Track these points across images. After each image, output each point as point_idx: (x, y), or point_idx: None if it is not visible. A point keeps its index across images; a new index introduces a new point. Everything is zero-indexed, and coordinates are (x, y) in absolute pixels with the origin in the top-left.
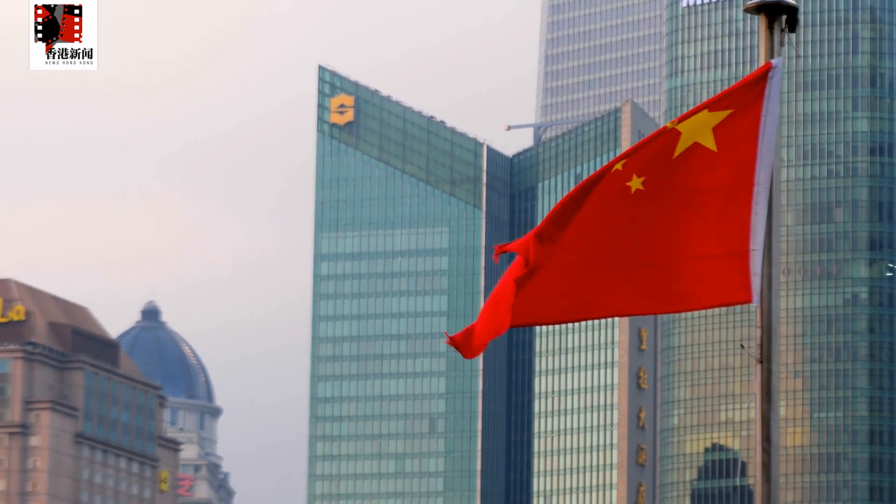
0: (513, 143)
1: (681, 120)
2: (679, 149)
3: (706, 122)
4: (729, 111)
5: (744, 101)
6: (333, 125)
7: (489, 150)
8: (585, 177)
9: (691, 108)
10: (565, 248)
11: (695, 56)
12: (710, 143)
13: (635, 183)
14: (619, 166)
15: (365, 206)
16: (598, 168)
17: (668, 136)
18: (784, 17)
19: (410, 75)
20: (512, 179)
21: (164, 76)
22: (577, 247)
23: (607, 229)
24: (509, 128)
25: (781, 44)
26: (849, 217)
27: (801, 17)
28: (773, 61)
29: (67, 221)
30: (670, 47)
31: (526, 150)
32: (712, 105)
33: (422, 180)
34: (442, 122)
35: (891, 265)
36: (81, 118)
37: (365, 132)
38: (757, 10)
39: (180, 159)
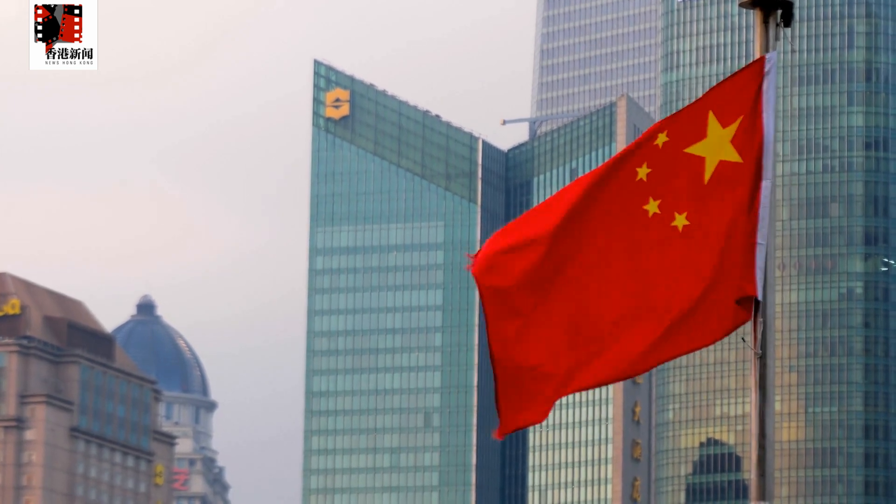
0: (508, 138)
1: (692, 141)
2: (707, 173)
3: (723, 137)
4: (740, 118)
5: (748, 102)
6: (329, 119)
7: (485, 144)
8: (581, 171)
9: (687, 103)
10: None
11: (690, 51)
12: (734, 156)
13: (680, 220)
14: (655, 209)
15: (360, 201)
16: (597, 172)
17: (692, 164)
18: (779, 11)
19: (406, 69)
20: (507, 174)
21: (160, 70)
22: (629, 300)
23: (659, 275)
24: (505, 122)
25: (777, 38)
26: (844, 212)
27: (796, 12)
28: (768, 55)
29: (62, 216)
30: (666, 42)
31: (521, 145)
32: (722, 117)
33: (417, 174)
34: (437, 116)
35: (886, 260)
36: (77, 112)
37: (360, 126)
38: (752, 4)
39: (175, 154)
